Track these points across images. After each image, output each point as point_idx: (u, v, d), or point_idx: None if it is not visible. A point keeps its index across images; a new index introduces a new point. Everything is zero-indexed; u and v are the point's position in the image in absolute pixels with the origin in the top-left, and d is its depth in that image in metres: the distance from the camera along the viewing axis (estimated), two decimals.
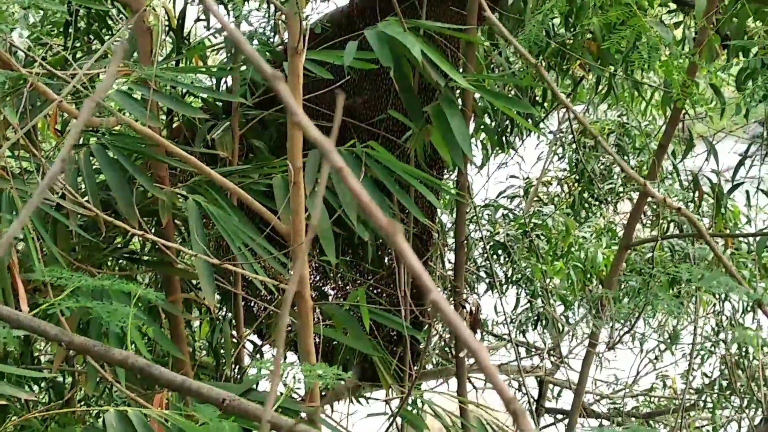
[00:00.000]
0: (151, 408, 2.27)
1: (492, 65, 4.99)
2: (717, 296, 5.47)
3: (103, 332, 2.98)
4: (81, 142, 3.38)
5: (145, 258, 3.86)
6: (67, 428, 2.69)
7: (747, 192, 4.83)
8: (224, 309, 4.53)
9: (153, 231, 3.62)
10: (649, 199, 4.86)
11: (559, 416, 6.29)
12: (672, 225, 5.64)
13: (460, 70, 3.50)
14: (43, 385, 4.17)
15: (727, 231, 5.12)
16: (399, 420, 4.08)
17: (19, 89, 3.11)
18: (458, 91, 3.66)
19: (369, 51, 3.10)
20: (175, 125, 4.24)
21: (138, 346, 2.82)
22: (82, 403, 4.01)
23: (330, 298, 4.62)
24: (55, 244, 3.03)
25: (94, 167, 3.28)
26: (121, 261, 3.81)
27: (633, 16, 2.70)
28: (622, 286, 4.96)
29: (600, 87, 5.42)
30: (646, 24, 2.74)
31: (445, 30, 3.41)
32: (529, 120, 5.09)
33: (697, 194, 4.99)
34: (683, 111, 4.17)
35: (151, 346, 3.93)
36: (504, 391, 0.57)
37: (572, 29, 4.46)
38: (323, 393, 4.63)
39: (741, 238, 5.20)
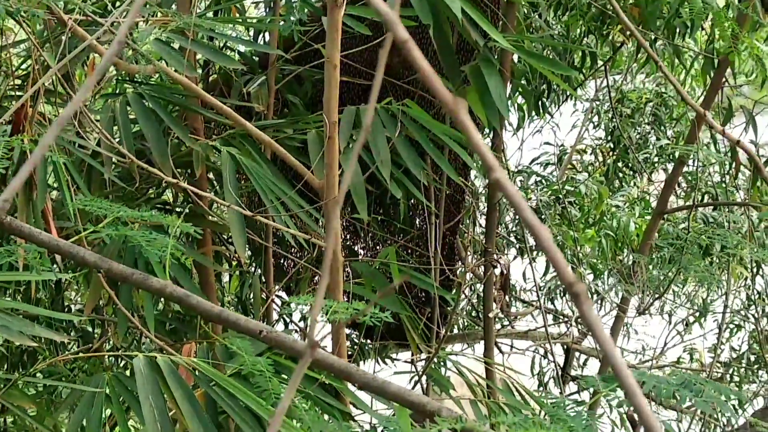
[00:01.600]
0: (180, 356, 2.28)
1: (531, 27, 4.94)
2: (748, 269, 5.42)
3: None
4: (118, 91, 3.39)
5: (178, 209, 3.87)
6: (94, 375, 2.70)
7: None
8: (254, 264, 4.55)
9: (186, 183, 3.62)
10: (685, 169, 4.82)
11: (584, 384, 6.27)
12: (706, 196, 5.59)
13: (500, 30, 3.47)
14: (72, 334, 4.20)
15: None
16: (424, 381, 4.09)
17: (59, 36, 3.11)
18: (496, 52, 3.63)
19: (409, 8, 3.08)
20: (211, 79, 4.23)
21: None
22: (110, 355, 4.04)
23: (360, 256, 4.62)
24: (89, 192, 3.04)
25: (130, 117, 3.29)
26: (153, 211, 3.82)
27: None
28: (654, 255, 4.92)
29: (639, 54, 5.36)
30: None
31: None
32: (567, 83, 5.04)
33: (734, 164, 4.93)
34: (723, 80, 4.10)
35: None
36: (564, 271, 0.56)
37: None
38: (350, 353, 4.65)
39: None
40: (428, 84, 0.58)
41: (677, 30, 4.40)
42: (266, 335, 1.45)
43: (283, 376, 2.42)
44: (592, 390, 2.01)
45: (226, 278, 5.14)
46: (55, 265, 2.99)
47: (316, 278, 4.56)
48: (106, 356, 3.77)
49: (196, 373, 2.29)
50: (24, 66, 3.92)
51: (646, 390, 1.81)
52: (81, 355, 3.46)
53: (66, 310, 4.35)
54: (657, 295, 5.27)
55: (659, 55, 5.29)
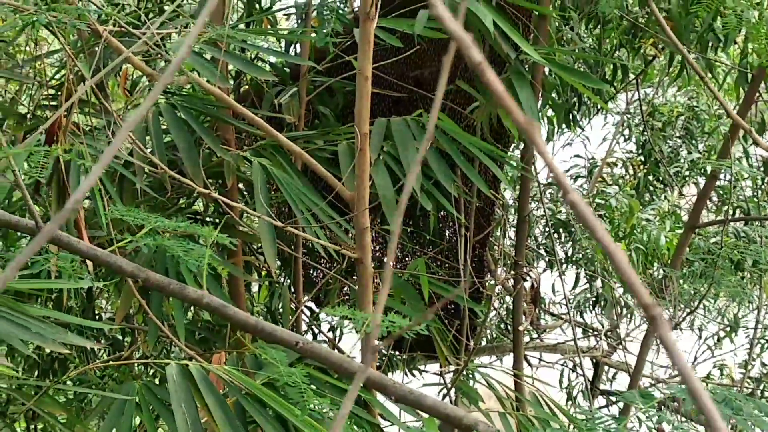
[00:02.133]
0: (211, 365, 2.29)
1: (563, 40, 4.94)
2: None
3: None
4: None
5: (208, 219, 3.89)
6: (124, 384, 2.72)
7: None
8: (284, 275, 4.56)
9: (217, 193, 3.64)
10: (717, 183, 4.79)
11: (613, 398, 6.24)
12: (738, 210, 5.55)
13: (531, 43, 3.47)
14: (102, 342, 4.23)
15: None
16: (453, 393, 4.08)
17: (93, 46, 3.14)
18: (528, 65, 3.62)
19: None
20: (242, 90, 4.25)
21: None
22: (139, 363, 4.07)
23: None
24: (121, 202, 3.06)
25: (162, 127, 3.31)
26: (184, 221, 3.84)
27: None
28: (684, 270, 4.89)
29: (671, 67, 5.34)
30: None
31: (518, 1, 3.38)
32: (599, 97, 5.03)
33: (767, 179, 4.90)
34: (757, 94, 4.08)
35: None
36: (641, 294, 0.56)
37: (646, 6, 4.38)
38: (378, 364, 4.65)
39: None
40: (502, 104, 0.58)
41: (710, 44, 4.38)
42: (302, 346, 1.45)
43: (312, 387, 2.43)
44: (621, 405, 2.00)
45: (255, 288, 5.16)
46: (87, 274, 3.01)
47: (345, 289, 4.57)
48: (137, 364, 3.79)
49: (227, 381, 2.30)
50: (57, 76, 3.95)
51: (685, 408, 1.80)
52: (111, 363, 3.48)
53: (96, 318, 4.38)
54: (689, 310, 5.24)
55: (692, 69, 5.27)
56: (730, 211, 5.53)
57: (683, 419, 4.33)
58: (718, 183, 4.99)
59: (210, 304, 1.66)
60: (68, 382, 3.02)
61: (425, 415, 2.42)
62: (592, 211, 0.56)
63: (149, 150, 3.11)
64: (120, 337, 4.32)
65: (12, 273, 0.65)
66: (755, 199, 5.32)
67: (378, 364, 4.64)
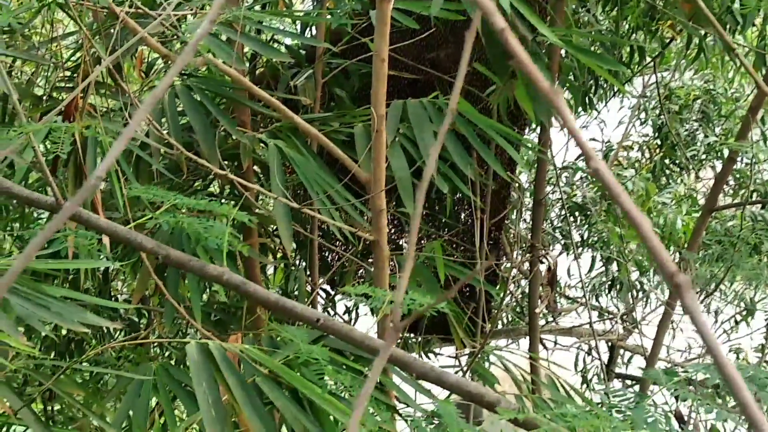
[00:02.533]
0: (230, 343, 2.29)
1: (579, 22, 4.91)
2: None
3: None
4: None
5: (224, 201, 3.89)
6: (141, 365, 2.73)
7: None
8: (299, 257, 4.56)
9: (233, 175, 3.64)
10: (736, 166, 4.77)
11: (629, 382, 6.24)
12: (755, 194, 5.53)
13: (548, 25, 3.45)
14: (119, 322, 4.24)
15: None
16: (468, 375, 4.08)
17: (109, 28, 3.14)
18: (544, 47, 3.61)
19: (457, 2, 3.07)
20: (258, 72, 4.25)
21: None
22: (155, 344, 4.08)
23: (404, 250, 4.62)
24: (138, 183, 3.07)
25: (178, 109, 3.31)
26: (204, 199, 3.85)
27: None
28: (701, 253, 4.87)
29: (689, 50, 5.31)
30: None
31: None
32: (616, 79, 5.01)
33: None
34: None
35: (227, 290, 3.99)
36: (665, 262, 0.55)
37: None
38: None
39: None
40: (525, 71, 0.57)
41: (728, 26, 4.35)
42: (323, 323, 1.46)
43: (329, 367, 2.43)
44: (637, 388, 2.00)
45: (270, 270, 5.16)
46: (103, 256, 3.02)
47: (361, 271, 4.57)
48: (153, 346, 3.81)
49: (246, 360, 2.30)
50: (74, 58, 3.96)
51: (711, 383, 1.80)
52: (128, 343, 3.49)
53: (113, 299, 4.39)
54: (709, 292, 5.22)
55: (710, 51, 5.24)
56: (748, 195, 5.50)
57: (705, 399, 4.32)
58: (735, 166, 4.96)
59: (230, 281, 1.66)
60: (85, 363, 3.03)
61: (441, 398, 2.42)
62: (615, 179, 0.55)
63: (165, 131, 3.11)
64: (136, 319, 4.33)
65: (33, 251, 0.65)
66: None
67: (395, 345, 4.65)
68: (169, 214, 2.05)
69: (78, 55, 3.77)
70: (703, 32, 4.51)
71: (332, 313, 4.83)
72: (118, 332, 4.18)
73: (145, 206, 2.71)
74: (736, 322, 6.19)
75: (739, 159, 4.51)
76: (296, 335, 1.90)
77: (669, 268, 0.55)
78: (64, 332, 4.02)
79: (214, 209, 2.18)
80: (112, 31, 2.92)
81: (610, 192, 0.55)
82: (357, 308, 5.13)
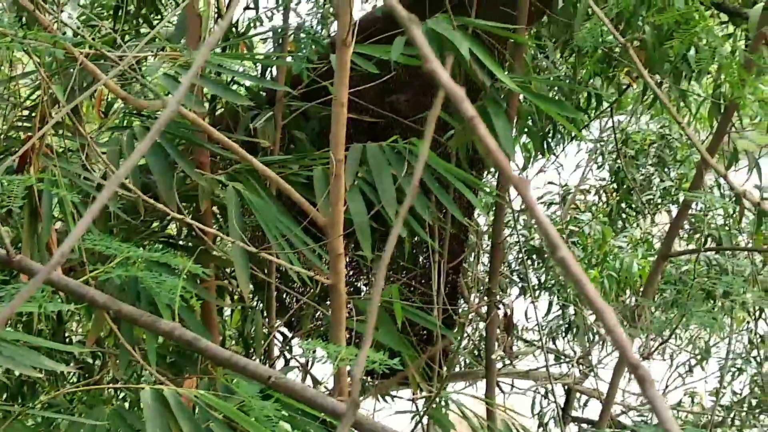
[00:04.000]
0: (185, 389, 2.27)
1: (538, 68, 4.96)
2: (751, 314, 5.41)
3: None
4: (125, 124, 3.40)
5: (182, 243, 3.87)
6: (94, 408, 2.69)
7: None
8: (256, 299, 4.54)
9: (191, 217, 3.62)
10: (690, 211, 4.82)
11: (585, 426, 6.24)
12: (709, 239, 5.59)
13: (507, 72, 3.48)
14: (72, 365, 4.19)
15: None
16: (425, 420, 4.06)
17: (68, 69, 3.12)
18: (503, 93, 3.64)
19: (417, 48, 3.09)
20: (217, 113, 4.25)
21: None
22: (110, 387, 4.03)
23: (363, 293, 4.62)
24: (94, 225, 3.04)
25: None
26: (158, 246, 3.82)
27: (690, 18, 2.66)
28: (656, 298, 4.91)
29: (645, 96, 5.38)
30: (703, 27, 2.70)
31: (494, 29, 3.39)
32: (573, 125, 5.06)
33: (738, 208, 4.93)
34: (729, 124, 4.11)
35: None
36: (628, 354, 0.56)
37: (621, 36, 4.41)
38: (349, 390, 4.62)
39: None
40: (495, 161, 0.58)
41: (683, 74, 4.42)
42: (275, 381, 1.44)
43: (283, 413, 2.41)
44: None
45: (228, 312, 5.13)
46: (57, 297, 2.98)
47: (318, 314, 4.55)
48: (107, 389, 3.76)
49: (199, 406, 2.28)
50: (33, 96, 3.93)
51: None
52: (82, 387, 3.44)
53: (67, 342, 4.34)
54: (663, 340, 5.25)
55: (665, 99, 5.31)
56: (702, 240, 5.56)
57: None
58: (690, 211, 5.02)
59: (182, 337, 1.65)
60: (38, 407, 2.98)
61: None
62: (581, 271, 0.56)
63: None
64: (90, 361, 4.28)
65: (4, 317, 0.64)
66: (726, 228, 5.36)
67: (350, 390, 4.62)
68: (121, 268, 2.04)
69: (37, 94, 3.75)
70: (658, 79, 4.57)
71: (289, 356, 4.80)
72: (72, 375, 4.13)
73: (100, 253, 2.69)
74: (691, 367, 6.23)
75: (694, 204, 4.56)
76: (247, 390, 1.89)
77: (632, 359, 0.56)
78: (17, 375, 3.96)
79: (169, 260, 2.17)
80: (71, 71, 2.91)
81: (576, 283, 0.56)
82: (314, 353, 5.10)
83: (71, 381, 4.23)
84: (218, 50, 3.92)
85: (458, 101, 0.57)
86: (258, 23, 4.43)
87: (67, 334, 4.51)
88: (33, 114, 3.62)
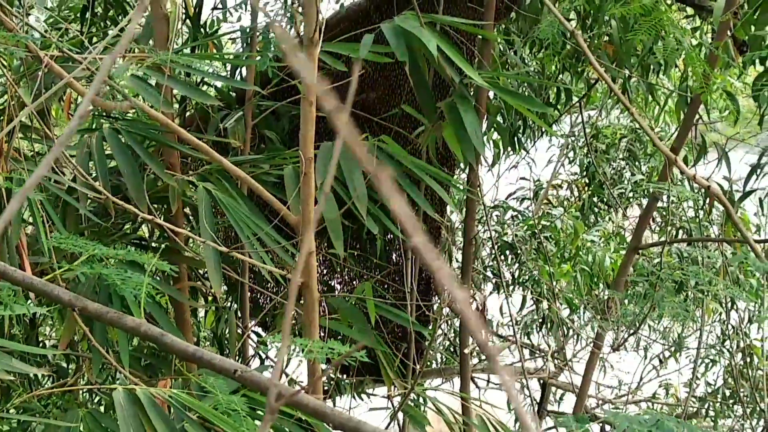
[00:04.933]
0: (158, 388, 2.27)
1: (507, 64, 4.98)
2: (723, 304, 5.46)
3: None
4: (94, 126, 3.39)
5: (153, 245, 3.86)
6: (68, 412, 2.68)
7: (760, 199, 4.82)
8: (230, 300, 4.53)
9: (162, 218, 3.62)
10: (659, 204, 4.85)
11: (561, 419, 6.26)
12: (681, 231, 5.63)
13: (475, 67, 3.50)
14: (46, 369, 4.17)
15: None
16: (401, 416, 4.07)
17: (35, 72, 3.11)
18: (472, 89, 3.66)
19: (385, 45, 3.10)
20: (188, 114, 4.24)
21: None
22: (84, 390, 4.02)
23: (336, 291, 4.62)
24: (65, 228, 3.03)
25: (106, 152, 3.28)
26: (129, 247, 3.81)
27: (654, 10, 2.68)
28: (629, 291, 4.94)
29: (613, 90, 5.41)
30: (667, 19, 2.72)
31: (462, 26, 3.41)
32: (543, 120, 5.09)
33: (707, 200, 4.97)
34: (697, 116, 4.14)
35: None
36: (481, 339, 0.57)
37: (589, 31, 4.45)
38: (325, 388, 4.63)
39: (748, 246, 5.18)
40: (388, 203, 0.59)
41: (651, 67, 4.45)
42: (240, 375, 1.45)
43: (259, 412, 2.41)
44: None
45: (202, 313, 5.12)
46: (29, 300, 2.97)
47: (292, 313, 4.55)
48: (81, 391, 3.75)
49: (173, 406, 2.28)
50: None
51: (620, 430, 1.82)
52: (56, 390, 3.43)
53: (40, 345, 4.32)
54: (631, 331, 5.29)
55: (634, 92, 5.35)
56: (673, 232, 5.59)
57: None
58: (660, 204, 5.05)
59: (147, 333, 1.65)
60: (12, 410, 2.97)
61: None
62: (436, 255, 0.57)
63: (93, 175, 3.09)
64: (64, 365, 4.26)
65: None
66: (697, 220, 5.40)
67: (326, 388, 4.63)
68: (87, 265, 2.04)
69: (4, 98, 3.73)
70: (627, 74, 4.60)
71: (264, 355, 4.80)
72: (46, 378, 4.11)
73: (70, 252, 2.68)
74: (665, 359, 6.28)
75: (664, 197, 4.59)
76: (216, 385, 1.89)
77: (480, 339, 0.57)
78: None
79: (135, 258, 2.17)
80: (38, 74, 2.90)
81: (431, 268, 0.57)
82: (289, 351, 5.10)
83: (45, 385, 4.21)
84: (187, 50, 3.92)
85: (339, 125, 0.58)
86: (224, 21, 4.43)
87: (40, 338, 4.49)
88: (0, 118, 3.61)
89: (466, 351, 4.23)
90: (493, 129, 5.40)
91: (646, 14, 2.75)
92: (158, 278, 3.40)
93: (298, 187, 2.95)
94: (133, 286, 1.98)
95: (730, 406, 5.69)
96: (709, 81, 2.83)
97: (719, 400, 5.73)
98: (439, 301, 4.78)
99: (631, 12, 2.79)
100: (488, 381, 6.10)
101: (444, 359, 6.05)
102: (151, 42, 3.40)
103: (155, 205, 3.54)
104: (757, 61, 4.11)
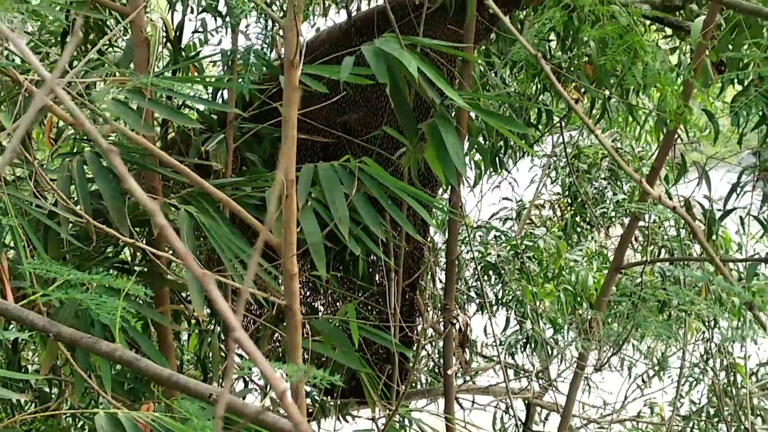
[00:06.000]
0: (141, 412, 2.26)
1: (487, 85, 5.00)
2: (706, 323, 5.48)
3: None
4: (75, 150, 3.38)
5: (136, 268, 3.85)
6: None
7: (741, 218, 4.84)
8: (213, 322, 4.52)
9: (144, 242, 3.61)
10: (641, 223, 4.87)
11: None
12: (663, 250, 5.65)
13: (456, 89, 3.51)
14: (29, 394, 4.15)
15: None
16: None
17: (15, 96, 3.11)
18: (453, 110, 3.67)
19: (366, 67, 3.11)
20: (169, 137, 4.24)
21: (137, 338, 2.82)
22: (68, 414, 3.99)
23: (320, 313, 4.61)
24: (46, 252, 3.02)
25: (87, 176, 3.28)
26: (110, 271, 3.80)
27: (629, 31, 2.70)
28: (612, 310, 4.96)
29: (594, 110, 5.44)
30: (642, 41, 2.74)
31: (443, 48, 3.42)
32: (524, 141, 5.11)
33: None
34: (676, 136, 4.17)
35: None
36: (230, 320, 0.58)
37: (569, 51, 4.48)
38: (310, 410, 4.62)
39: (731, 265, 5.21)
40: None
41: (631, 88, 4.47)
42: (215, 398, 1.44)
43: None
44: None
45: (185, 336, 5.11)
46: (11, 325, 2.96)
47: (276, 336, 4.54)
48: (64, 416, 3.73)
49: (155, 430, 2.27)
50: None
51: None
52: (39, 414, 3.41)
53: (22, 370, 4.30)
54: (614, 351, 5.29)
55: (614, 112, 5.38)
56: (655, 251, 5.62)
57: None
58: (642, 223, 5.07)
59: (123, 357, 1.64)
60: None
61: None
62: (181, 244, 0.60)
63: (74, 199, 3.08)
64: (47, 389, 4.24)
65: None
66: (679, 239, 5.42)
67: (310, 410, 4.62)
68: (61, 291, 2.03)
69: None
70: (606, 94, 4.63)
71: (247, 378, 4.79)
72: (28, 403, 4.09)
73: (52, 279, 2.67)
74: (649, 378, 6.28)
75: (647, 216, 4.61)
76: (190, 410, 1.89)
77: (231, 323, 0.59)
78: None
79: (110, 283, 2.16)
80: (18, 98, 2.90)
81: (177, 253, 0.57)
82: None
83: (28, 410, 4.19)
84: (168, 73, 3.92)
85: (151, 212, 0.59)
86: (205, 44, 4.43)
87: (22, 363, 4.47)
88: None
89: (450, 372, 4.22)
90: (474, 150, 5.42)
91: (621, 36, 2.77)
92: (140, 302, 3.39)
93: (280, 209, 2.95)
94: (108, 311, 1.98)
95: (715, 424, 5.70)
96: (681, 111, 2.85)
97: (704, 418, 5.74)
98: (422, 321, 4.78)
99: (606, 34, 2.81)
100: (473, 402, 6.09)
101: (428, 380, 6.04)
102: (132, 65, 3.40)
103: (137, 229, 3.54)
104: (735, 81, 4.14)
